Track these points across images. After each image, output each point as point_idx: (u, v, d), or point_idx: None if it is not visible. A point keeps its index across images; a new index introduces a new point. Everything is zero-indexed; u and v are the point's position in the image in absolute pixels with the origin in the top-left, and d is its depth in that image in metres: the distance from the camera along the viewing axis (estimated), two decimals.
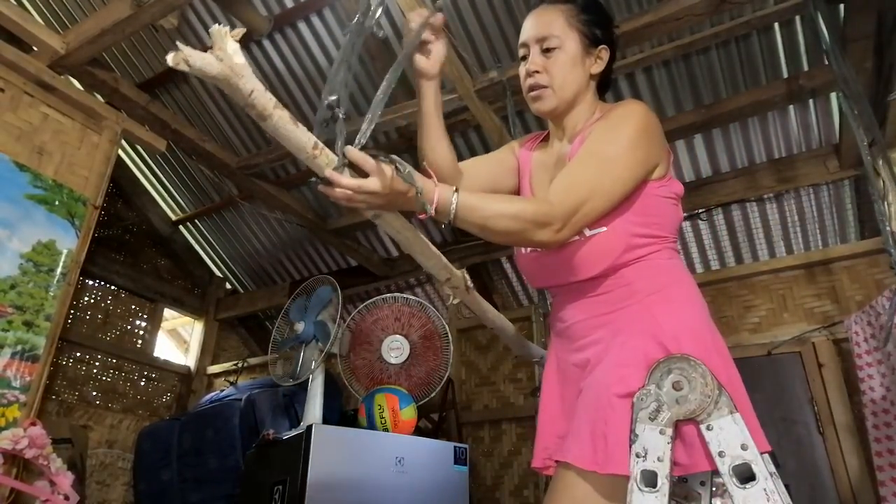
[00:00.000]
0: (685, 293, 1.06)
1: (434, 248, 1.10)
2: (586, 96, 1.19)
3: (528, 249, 1.18)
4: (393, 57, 3.18)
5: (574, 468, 0.96)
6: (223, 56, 0.68)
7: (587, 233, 1.06)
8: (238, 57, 0.68)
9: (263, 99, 0.72)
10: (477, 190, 1.25)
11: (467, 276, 1.23)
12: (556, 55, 1.15)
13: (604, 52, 1.19)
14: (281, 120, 0.74)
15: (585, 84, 1.18)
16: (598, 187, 1.00)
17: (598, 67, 1.19)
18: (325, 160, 0.81)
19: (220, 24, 0.72)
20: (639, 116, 1.07)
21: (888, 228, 2.10)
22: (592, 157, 1.04)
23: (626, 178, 1.03)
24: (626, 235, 1.06)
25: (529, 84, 1.18)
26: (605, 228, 1.05)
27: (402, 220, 0.97)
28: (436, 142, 1.18)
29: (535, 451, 1.17)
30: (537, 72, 1.16)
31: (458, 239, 4.02)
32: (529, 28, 1.19)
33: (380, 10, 0.92)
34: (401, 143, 3.59)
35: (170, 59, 0.65)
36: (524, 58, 1.20)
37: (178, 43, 0.67)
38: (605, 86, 1.26)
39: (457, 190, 0.93)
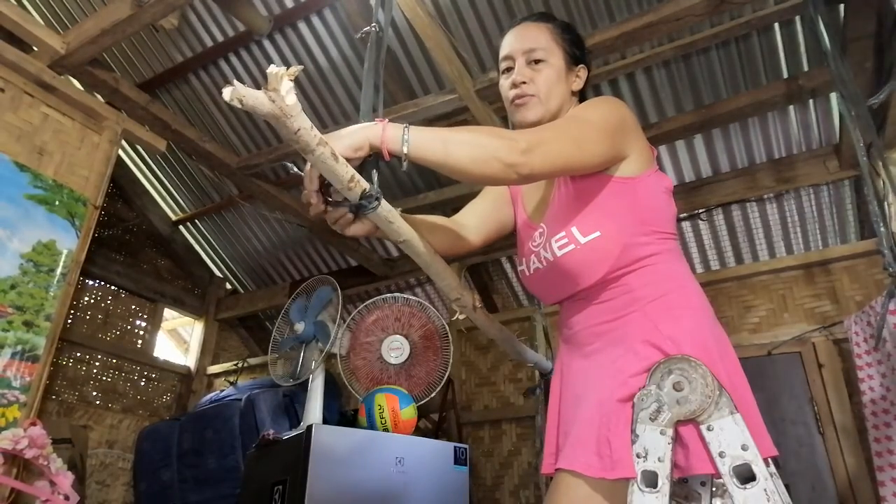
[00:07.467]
0: (687, 298, 1.06)
1: (450, 270, 1.13)
2: (567, 113, 1.21)
3: (532, 270, 1.18)
4: (394, 58, 3.18)
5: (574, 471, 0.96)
6: (275, 97, 0.70)
7: (582, 240, 1.07)
8: (290, 97, 0.71)
9: (308, 137, 0.75)
10: (485, 228, 1.30)
11: (477, 298, 1.25)
12: (542, 67, 1.19)
13: (582, 72, 1.24)
14: (323, 156, 0.78)
15: (568, 100, 1.22)
16: (565, 133, 1.02)
17: (577, 85, 1.23)
18: (358, 191, 0.86)
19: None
20: (609, 103, 1.12)
21: (882, 230, 2.09)
22: (563, 120, 1.10)
23: (593, 140, 1.03)
24: (621, 235, 1.06)
25: (515, 94, 1.19)
26: (598, 233, 1.06)
27: (423, 244, 1.03)
28: (428, 232, 1.14)
29: (543, 458, 1.17)
30: (524, 82, 1.18)
31: None
32: (514, 41, 1.22)
33: (386, 16, 0.96)
34: None
35: (226, 94, 0.69)
36: (508, 70, 1.22)
37: (234, 81, 0.69)
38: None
39: (407, 126, 0.90)
